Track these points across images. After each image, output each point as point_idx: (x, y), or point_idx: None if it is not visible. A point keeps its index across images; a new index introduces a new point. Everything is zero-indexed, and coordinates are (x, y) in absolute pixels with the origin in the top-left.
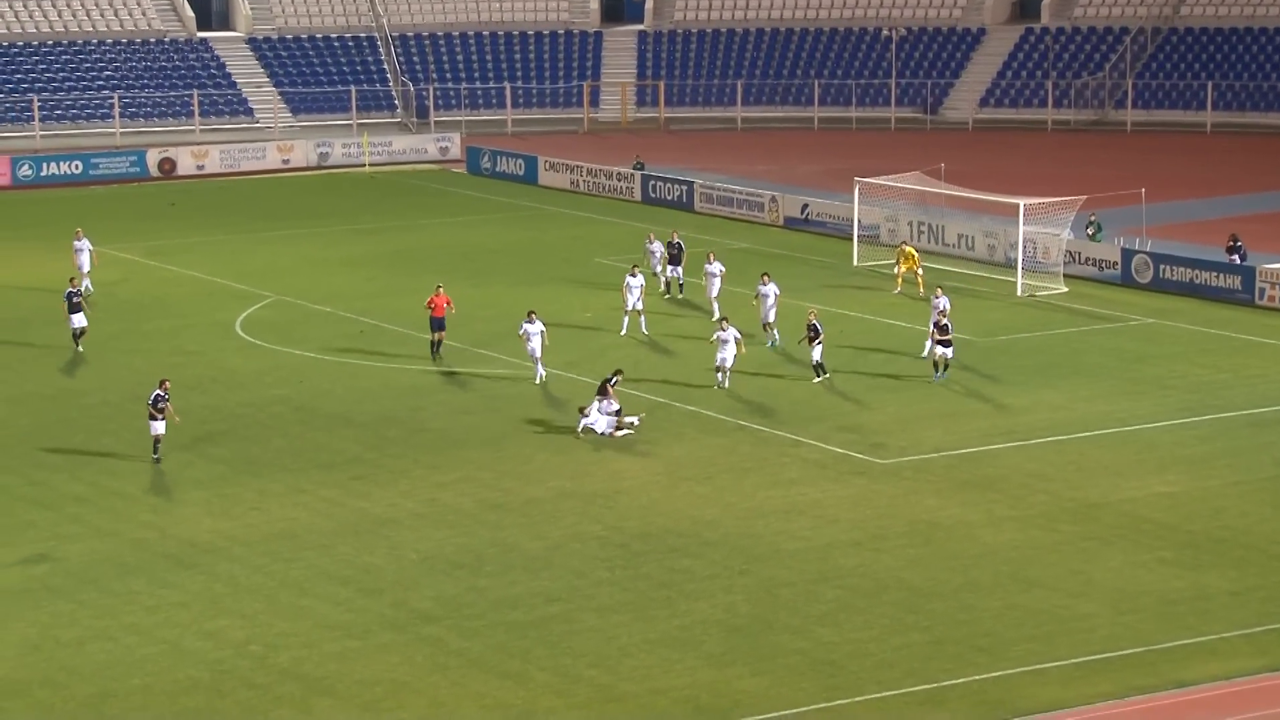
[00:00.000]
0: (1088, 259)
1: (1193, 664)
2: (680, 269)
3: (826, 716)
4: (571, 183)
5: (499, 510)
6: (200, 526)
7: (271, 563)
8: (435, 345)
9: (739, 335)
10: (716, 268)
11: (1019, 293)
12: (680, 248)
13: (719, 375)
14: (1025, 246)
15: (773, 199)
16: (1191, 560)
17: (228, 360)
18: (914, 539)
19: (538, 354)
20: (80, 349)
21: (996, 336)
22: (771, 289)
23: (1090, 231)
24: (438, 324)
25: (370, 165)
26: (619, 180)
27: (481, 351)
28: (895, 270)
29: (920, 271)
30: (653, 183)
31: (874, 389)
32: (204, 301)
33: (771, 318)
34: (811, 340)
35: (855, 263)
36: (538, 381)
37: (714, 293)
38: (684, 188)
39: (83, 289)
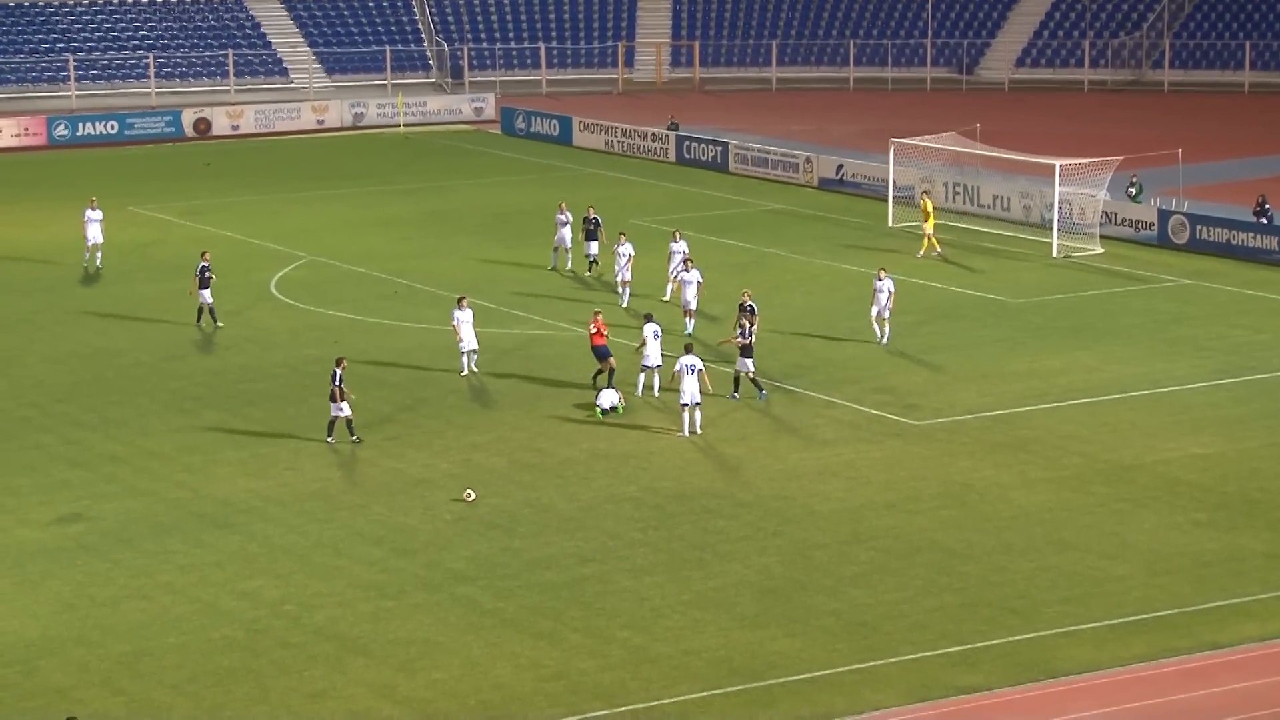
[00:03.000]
0: (1124, 220)
1: (1228, 626)
2: (595, 246)
3: (859, 678)
4: (606, 144)
5: (532, 471)
6: (235, 486)
7: (306, 523)
8: (604, 374)
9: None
10: (626, 250)
11: (1054, 254)
12: (597, 223)
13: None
14: (1061, 207)
15: (807, 160)
16: (1226, 522)
17: (263, 320)
18: (947, 501)
19: (470, 345)
20: (214, 324)
21: (1031, 297)
22: (682, 248)
23: (1131, 192)
24: (601, 352)
25: (405, 126)
26: (654, 141)
27: (514, 312)
28: (923, 231)
29: (930, 230)
30: (687, 144)
31: (910, 351)
32: (239, 262)
33: (693, 302)
34: (742, 333)
35: (890, 224)
36: (464, 374)
37: (623, 275)
38: (718, 149)
39: (85, 261)
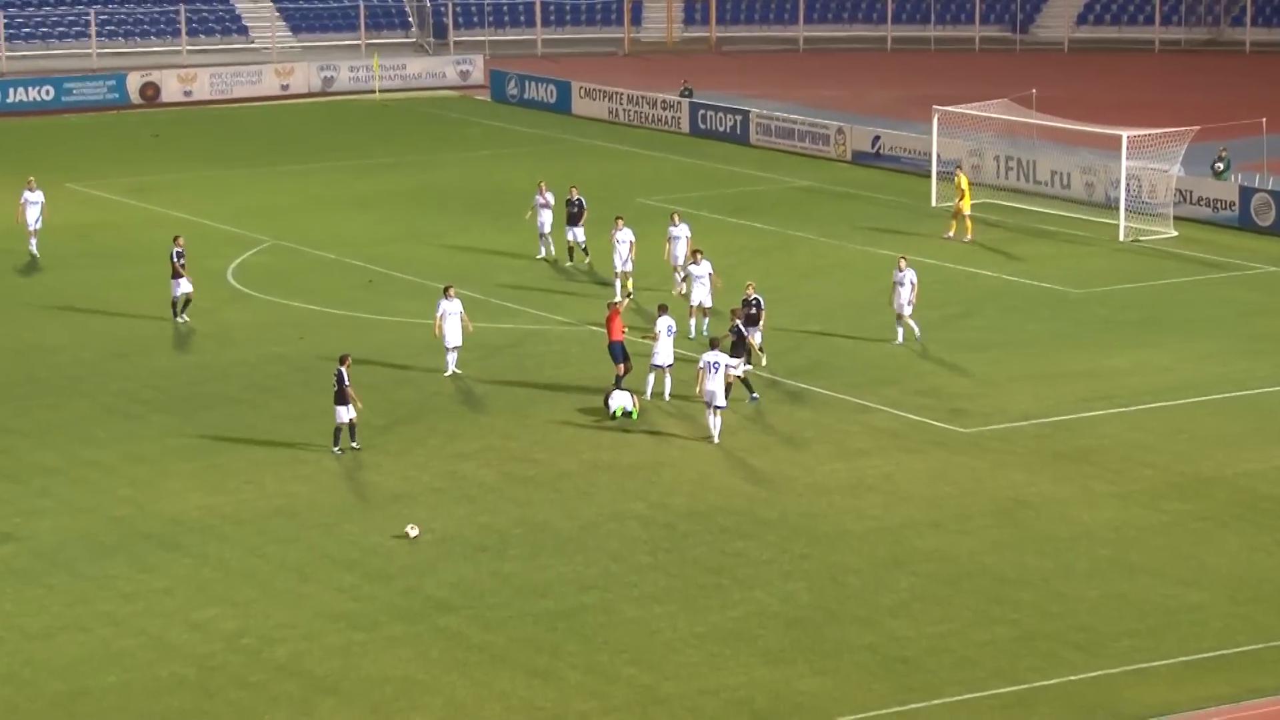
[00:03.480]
0: (1201, 198)
1: None
2: (580, 230)
3: None
4: (610, 112)
5: (526, 485)
6: (187, 502)
7: (268, 544)
8: (619, 380)
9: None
10: (624, 236)
11: (1121, 237)
12: (581, 206)
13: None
14: (1129, 184)
15: (839, 131)
16: None
17: (219, 313)
18: (1000, 519)
19: (455, 341)
20: (183, 319)
21: (1094, 287)
22: (683, 232)
23: (1219, 168)
24: (617, 351)
25: (381, 91)
26: (664, 109)
27: (507, 305)
28: (955, 209)
29: (966, 210)
30: (702, 112)
31: (955, 347)
32: (192, 247)
33: (707, 299)
34: (742, 329)
35: (934, 203)
36: (448, 374)
37: (622, 265)
38: (738, 118)
39: (30, 249)
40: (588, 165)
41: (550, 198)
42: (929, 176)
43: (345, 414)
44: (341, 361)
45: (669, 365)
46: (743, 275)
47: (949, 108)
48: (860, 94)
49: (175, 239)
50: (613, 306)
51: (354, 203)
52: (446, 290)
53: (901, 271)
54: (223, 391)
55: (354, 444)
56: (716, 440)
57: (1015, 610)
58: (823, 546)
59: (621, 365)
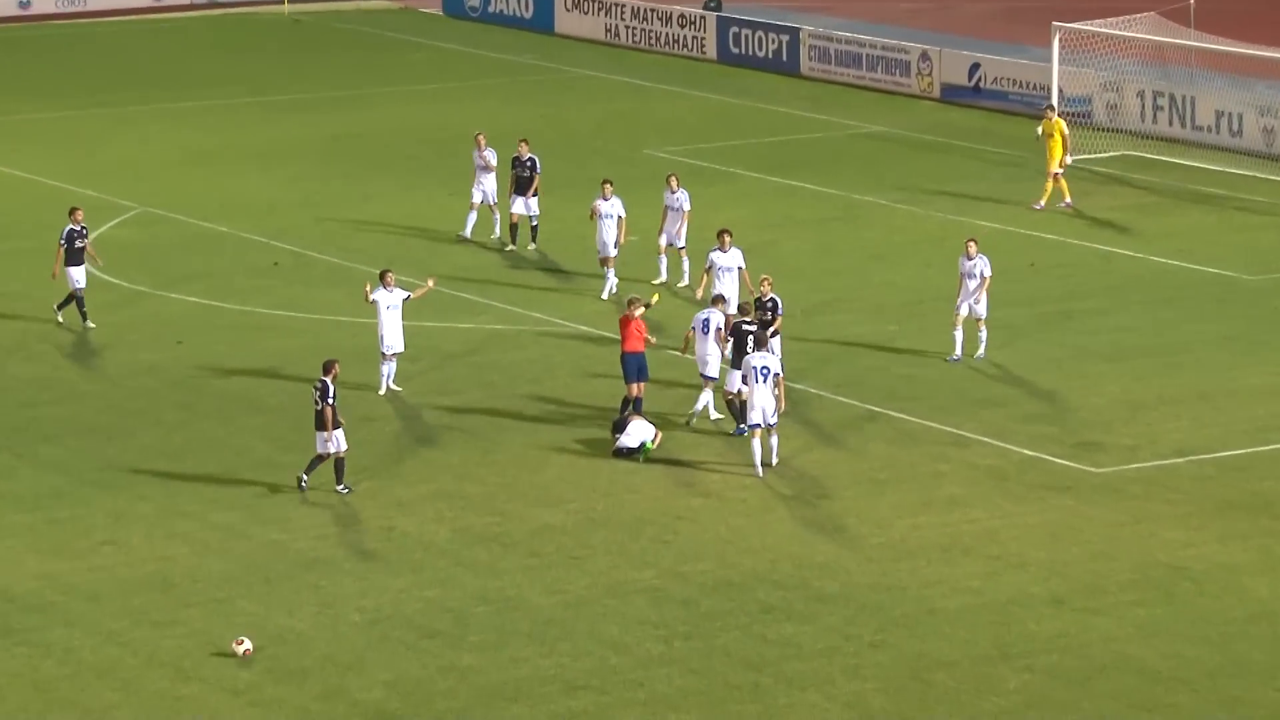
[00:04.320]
0: None
1: None
2: (533, 202)
3: None
4: (607, 30)
5: (492, 545)
6: (21, 570)
7: (134, 627)
8: (626, 406)
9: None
10: (612, 209)
11: None
12: (534, 168)
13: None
14: None
15: (924, 57)
16: None
17: (67, 309)
18: (1147, 592)
19: (396, 347)
20: (83, 322)
21: (1273, 273)
22: (681, 202)
23: None
24: (635, 367)
25: (290, 2)
26: (682, 27)
27: (465, 296)
28: (1050, 168)
29: (1060, 170)
30: (735, 31)
31: (1083, 356)
32: (27, 214)
33: (733, 300)
34: (753, 333)
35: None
36: (383, 392)
37: (610, 248)
38: (784, 39)
39: None
40: (575, 105)
41: (492, 156)
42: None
43: (332, 443)
44: (326, 370)
45: (717, 379)
46: (788, 257)
47: (1075, 24)
48: (951, 4)
49: (72, 212)
50: (632, 304)
51: (253, 156)
52: (384, 277)
53: (971, 259)
54: (71, 416)
55: (340, 486)
56: (761, 473)
57: (1170, 717)
58: (902, 631)
59: (635, 385)
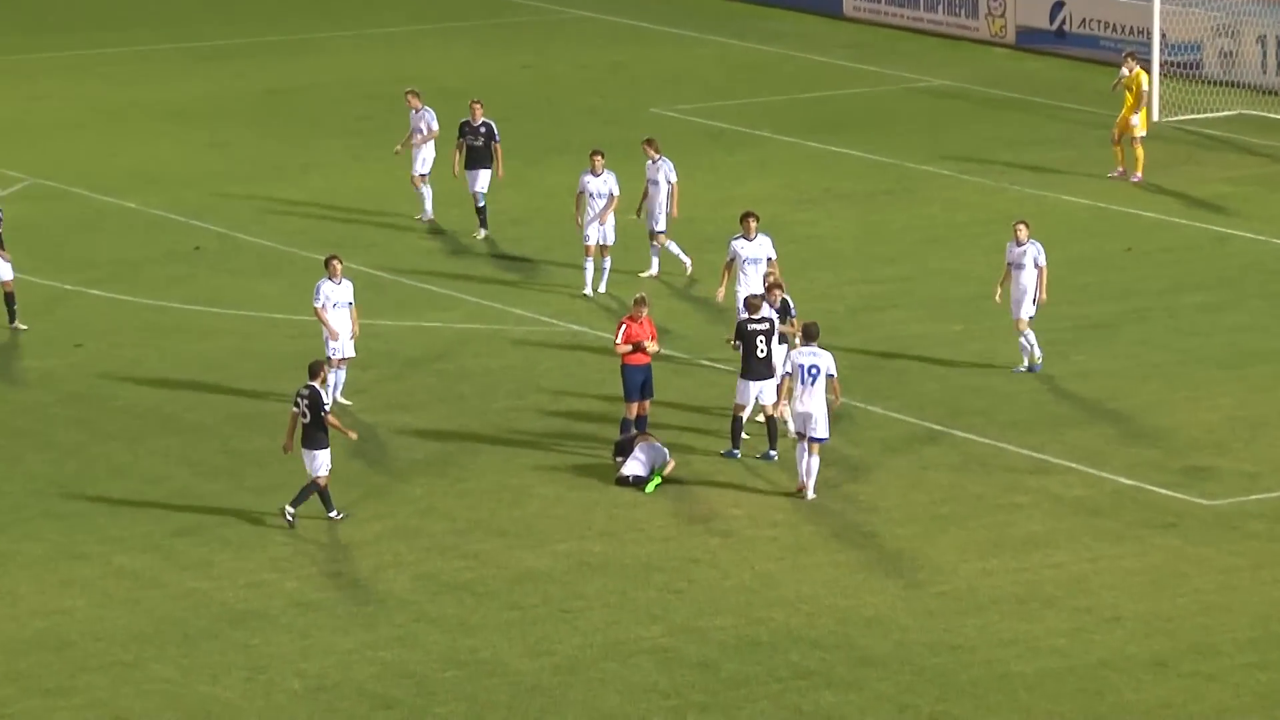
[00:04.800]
0: None
1: None
2: (483, 177)
3: None
4: None
5: (463, 596)
6: None
7: (21, 696)
8: (628, 427)
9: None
10: (603, 186)
11: None
12: (490, 135)
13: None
14: None
15: None
16: None
17: None
18: (1269, 653)
19: (345, 351)
20: (11, 323)
21: None
22: (664, 174)
23: None
24: (636, 382)
25: None
26: None
27: (430, 288)
28: (1130, 131)
29: (1139, 134)
30: None
31: (1190, 360)
32: None
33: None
34: (765, 332)
35: (1155, 117)
36: (326, 406)
37: (605, 233)
38: None
39: None
40: (566, 52)
41: (431, 118)
42: (1147, 71)
43: (324, 461)
44: (313, 374)
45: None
46: (828, 241)
47: None
48: None
49: None
50: (639, 304)
51: (169, 115)
52: (330, 265)
53: (1020, 245)
54: None
55: (333, 513)
56: (812, 494)
57: None
58: (968, 702)
59: (634, 405)
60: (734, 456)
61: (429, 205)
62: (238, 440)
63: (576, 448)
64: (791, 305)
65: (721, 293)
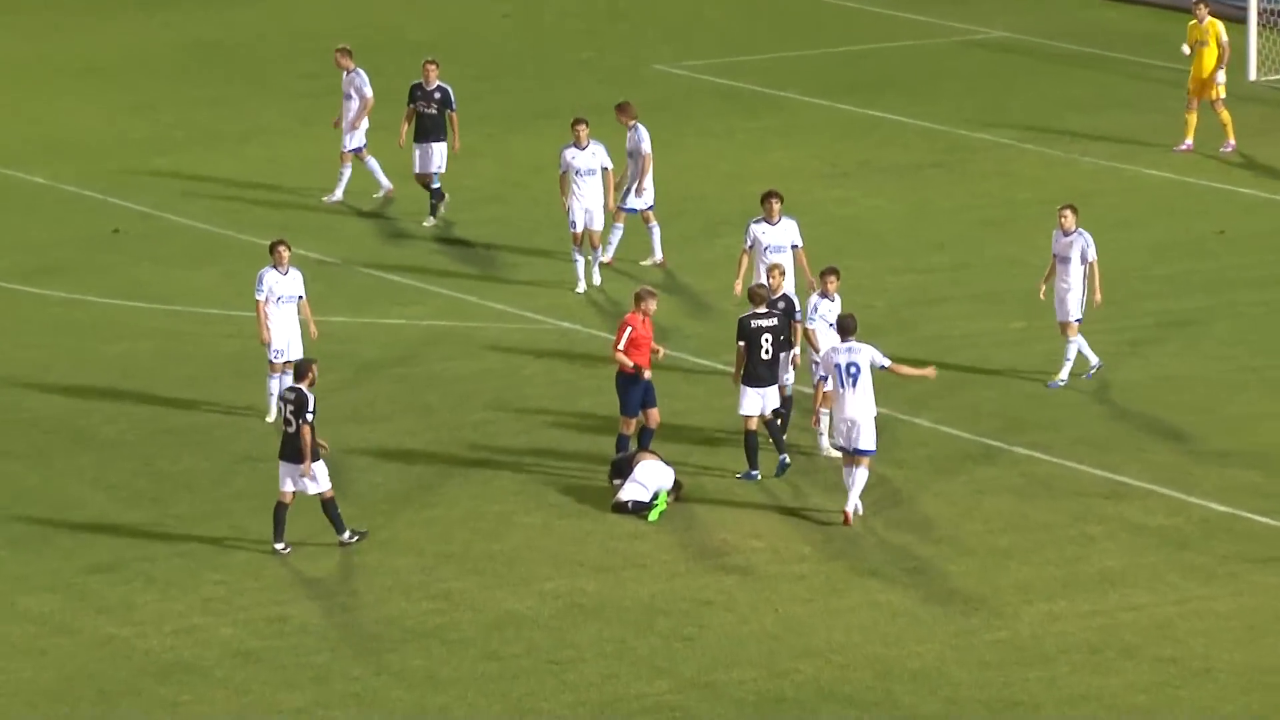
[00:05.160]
0: None
1: None
2: (440, 152)
3: None
4: None
5: (432, 644)
6: None
7: None
8: (625, 443)
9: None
10: (596, 156)
11: None
12: (445, 102)
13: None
14: None
15: None
16: None
17: None
18: None
19: (289, 354)
20: None
21: None
22: (640, 144)
23: None
24: (636, 393)
25: None
26: None
27: (394, 279)
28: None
29: (1220, 94)
30: None
31: None
32: None
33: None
34: (772, 328)
35: (1252, 75)
36: (271, 419)
37: (592, 216)
38: None
39: None
40: None
41: (363, 83)
42: (1242, 22)
43: (312, 481)
44: (301, 374)
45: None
46: (866, 222)
47: None
48: None
49: None
50: (643, 299)
51: (81, 73)
52: (276, 252)
53: (1067, 235)
54: None
55: (347, 535)
56: (858, 510)
57: None
58: None
59: (634, 420)
60: (753, 479)
61: (381, 177)
62: (164, 460)
63: (566, 468)
64: (796, 306)
65: (739, 286)
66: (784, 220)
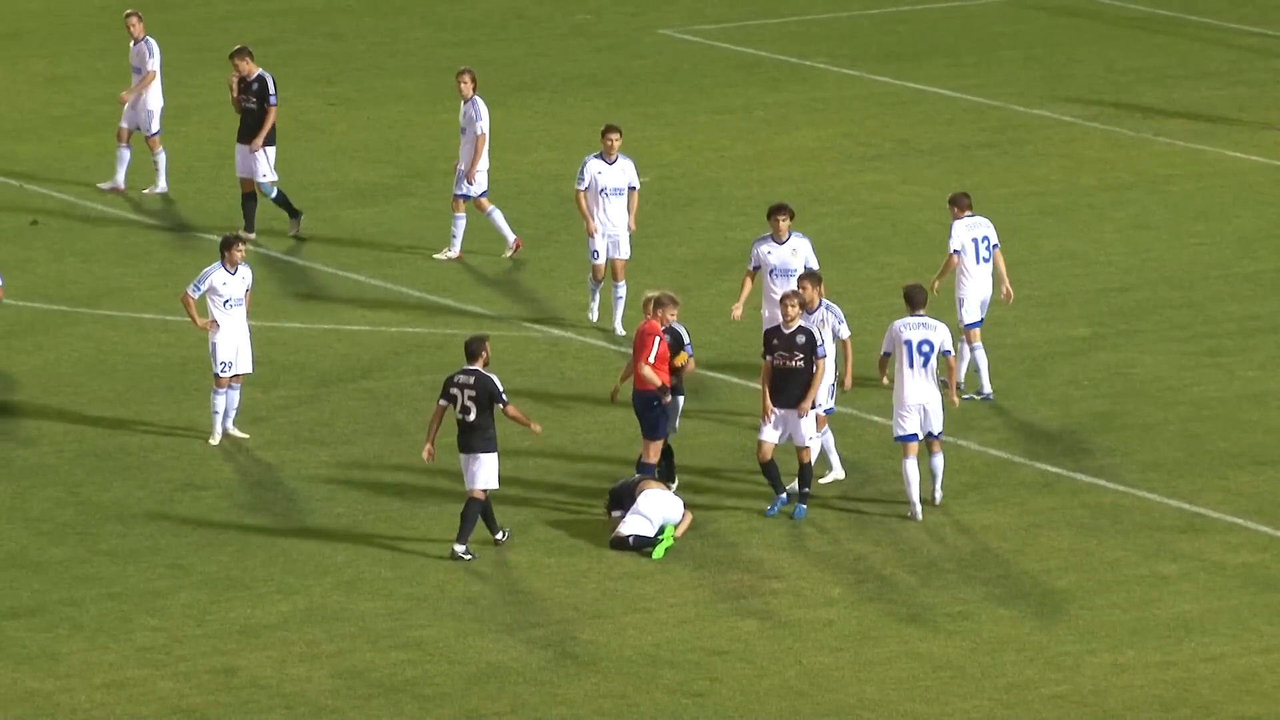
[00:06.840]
0: None
1: None
2: (268, 157)
3: None
4: None
5: (403, 699)
6: None
7: None
8: (647, 470)
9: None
10: (623, 173)
11: None
12: (264, 95)
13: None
14: None
15: None
16: None
17: None
18: None
19: (238, 366)
20: None
21: None
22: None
23: None
24: (658, 415)
25: None
26: None
27: (353, 276)
28: None
29: None
30: None
31: None
32: None
33: None
34: (800, 348)
35: None
36: (216, 440)
37: (618, 245)
38: None
39: None
40: None
41: (150, 54)
42: None
43: (491, 470)
44: (473, 355)
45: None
46: (903, 213)
47: None
48: None
49: None
50: (662, 307)
51: (4, 36)
52: (230, 250)
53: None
54: None
55: (498, 535)
56: (938, 498)
57: None
58: None
59: (657, 443)
60: (774, 514)
61: (162, 173)
62: (90, 488)
63: (557, 498)
64: (819, 338)
65: (739, 310)
66: (793, 238)
